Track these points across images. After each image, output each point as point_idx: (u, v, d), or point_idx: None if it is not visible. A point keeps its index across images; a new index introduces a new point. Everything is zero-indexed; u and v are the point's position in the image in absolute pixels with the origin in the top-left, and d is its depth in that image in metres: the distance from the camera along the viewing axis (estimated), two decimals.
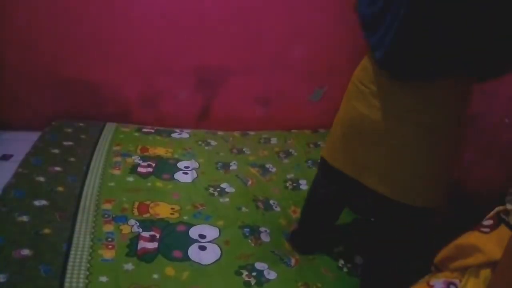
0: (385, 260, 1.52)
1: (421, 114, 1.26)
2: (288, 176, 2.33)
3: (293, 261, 1.67)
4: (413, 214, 1.39)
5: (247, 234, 1.78)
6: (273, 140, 2.76)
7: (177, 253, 1.60)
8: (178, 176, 2.19)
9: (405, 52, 1.18)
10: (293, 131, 2.93)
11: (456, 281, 1.30)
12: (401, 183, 1.34)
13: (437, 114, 1.25)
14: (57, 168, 2.06)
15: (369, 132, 1.37)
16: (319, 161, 1.69)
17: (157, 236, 1.68)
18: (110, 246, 1.59)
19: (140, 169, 2.19)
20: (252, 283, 1.51)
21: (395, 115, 1.29)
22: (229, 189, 2.12)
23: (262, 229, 1.83)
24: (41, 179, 1.94)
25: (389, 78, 1.28)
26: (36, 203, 1.75)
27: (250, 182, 2.21)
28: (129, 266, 1.51)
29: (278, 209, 2.01)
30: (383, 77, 1.30)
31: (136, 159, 2.29)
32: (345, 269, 1.68)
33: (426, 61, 1.17)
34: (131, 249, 1.60)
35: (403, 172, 1.33)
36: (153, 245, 1.62)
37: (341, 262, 1.71)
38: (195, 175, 2.22)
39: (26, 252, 1.47)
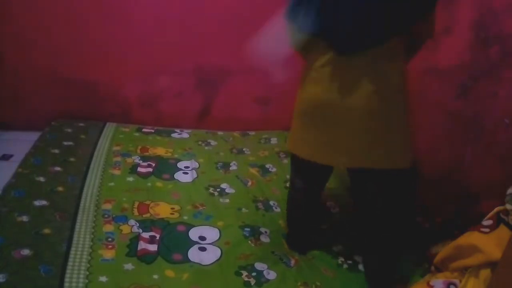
0: (383, 237, 1.58)
1: (373, 85, 1.36)
2: (288, 176, 2.32)
3: (292, 261, 1.67)
4: (388, 179, 1.49)
5: (247, 234, 1.78)
6: (273, 140, 2.76)
7: (177, 256, 1.60)
8: (178, 176, 2.19)
9: (363, 28, 1.34)
10: None
11: (456, 281, 1.31)
12: (373, 151, 1.43)
13: (386, 82, 1.37)
14: (57, 168, 2.06)
15: (331, 113, 1.42)
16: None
17: (157, 237, 1.68)
18: (110, 246, 1.59)
19: (140, 169, 2.19)
20: (252, 283, 1.51)
21: (352, 91, 1.38)
22: (229, 189, 2.12)
23: (262, 229, 1.83)
24: (41, 179, 1.94)
25: (341, 56, 1.38)
26: (36, 203, 1.75)
27: (250, 183, 2.21)
28: (129, 266, 1.51)
29: (278, 210, 2.00)
30: (334, 58, 1.39)
31: (136, 159, 2.29)
32: (345, 266, 1.68)
33: (370, 31, 1.34)
34: (131, 249, 1.60)
35: (370, 141, 1.42)
36: (153, 247, 1.62)
37: (341, 259, 1.72)
38: (195, 175, 2.22)
39: (26, 252, 1.47)
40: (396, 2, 1.31)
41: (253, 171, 2.34)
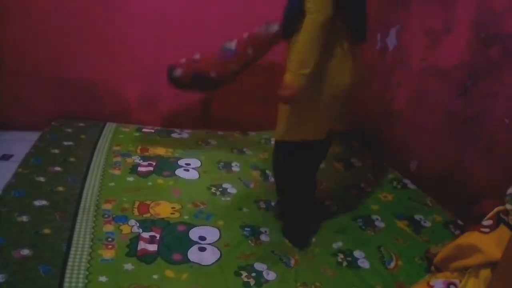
0: None
1: (360, 65, 1.68)
2: None
3: (292, 261, 1.67)
4: None
5: (247, 234, 1.78)
6: (273, 140, 2.75)
7: (176, 256, 1.60)
8: (179, 172, 2.19)
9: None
10: None
11: (456, 281, 1.30)
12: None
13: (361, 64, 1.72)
14: (57, 168, 2.06)
15: (348, 92, 1.65)
16: (293, 156, 1.74)
17: (157, 237, 1.68)
18: (110, 246, 1.59)
19: (140, 169, 2.19)
20: (252, 284, 1.51)
21: (356, 71, 1.63)
22: (231, 189, 2.12)
23: (262, 229, 1.83)
24: (41, 179, 1.94)
25: (356, 45, 1.62)
26: (36, 203, 1.75)
27: (252, 185, 2.21)
28: (129, 266, 1.51)
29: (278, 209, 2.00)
30: (352, 46, 1.60)
31: (136, 159, 2.29)
32: (344, 264, 1.68)
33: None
34: (131, 249, 1.60)
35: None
36: (153, 247, 1.62)
37: (341, 256, 1.72)
38: (196, 173, 2.23)
39: (26, 252, 1.47)
40: None
41: (255, 174, 2.33)
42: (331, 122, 1.72)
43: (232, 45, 2.31)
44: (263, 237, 1.79)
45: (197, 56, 2.31)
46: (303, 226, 1.81)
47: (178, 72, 2.31)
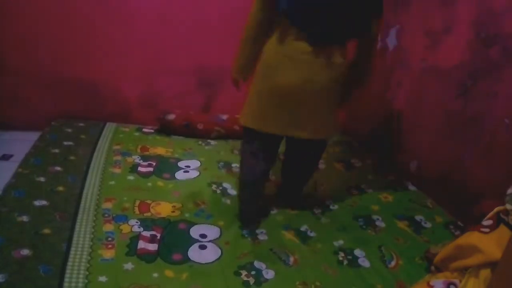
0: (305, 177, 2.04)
1: (331, 73, 1.65)
2: None
3: (292, 260, 1.66)
4: (323, 144, 1.93)
5: (246, 234, 1.78)
6: None
7: (176, 256, 1.59)
8: (179, 175, 2.19)
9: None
10: None
11: (456, 281, 1.30)
12: (323, 126, 1.78)
13: (336, 72, 1.66)
14: (57, 168, 2.06)
15: (300, 96, 1.66)
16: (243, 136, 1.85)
17: (158, 236, 1.68)
18: (110, 246, 1.59)
19: (140, 169, 2.19)
20: (251, 283, 1.51)
21: (318, 77, 1.64)
22: (231, 190, 2.12)
23: (260, 229, 1.83)
24: (41, 179, 1.94)
25: (316, 46, 1.60)
26: (36, 203, 1.75)
27: None
28: (128, 266, 1.51)
29: (275, 211, 1.99)
30: (309, 47, 1.61)
31: (136, 159, 2.29)
32: (345, 262, 1.68)
33: (340, 29, 1.63)
34: (131, 248, 1.60)
35: (323, 118, 1.76)
36: (153, 247, 1.62)
37: (341, 255, 1.72)
38: (196, 172, 2.23)
39: (25, 252, 1.47)
40: (359, 11, 1.61)
41: None
42: (277, 121, 1.71)
43: (224, 117, 2.78)
44: (261, 236, 1.79)
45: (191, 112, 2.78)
46: (255, 206, 1.87)
47: (172, 116, 2.68)
